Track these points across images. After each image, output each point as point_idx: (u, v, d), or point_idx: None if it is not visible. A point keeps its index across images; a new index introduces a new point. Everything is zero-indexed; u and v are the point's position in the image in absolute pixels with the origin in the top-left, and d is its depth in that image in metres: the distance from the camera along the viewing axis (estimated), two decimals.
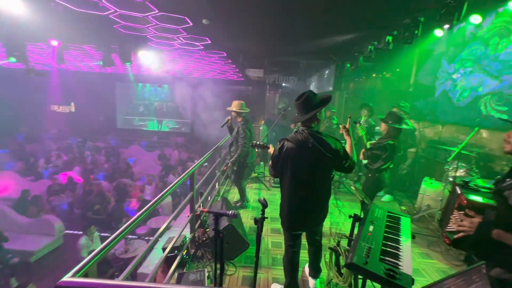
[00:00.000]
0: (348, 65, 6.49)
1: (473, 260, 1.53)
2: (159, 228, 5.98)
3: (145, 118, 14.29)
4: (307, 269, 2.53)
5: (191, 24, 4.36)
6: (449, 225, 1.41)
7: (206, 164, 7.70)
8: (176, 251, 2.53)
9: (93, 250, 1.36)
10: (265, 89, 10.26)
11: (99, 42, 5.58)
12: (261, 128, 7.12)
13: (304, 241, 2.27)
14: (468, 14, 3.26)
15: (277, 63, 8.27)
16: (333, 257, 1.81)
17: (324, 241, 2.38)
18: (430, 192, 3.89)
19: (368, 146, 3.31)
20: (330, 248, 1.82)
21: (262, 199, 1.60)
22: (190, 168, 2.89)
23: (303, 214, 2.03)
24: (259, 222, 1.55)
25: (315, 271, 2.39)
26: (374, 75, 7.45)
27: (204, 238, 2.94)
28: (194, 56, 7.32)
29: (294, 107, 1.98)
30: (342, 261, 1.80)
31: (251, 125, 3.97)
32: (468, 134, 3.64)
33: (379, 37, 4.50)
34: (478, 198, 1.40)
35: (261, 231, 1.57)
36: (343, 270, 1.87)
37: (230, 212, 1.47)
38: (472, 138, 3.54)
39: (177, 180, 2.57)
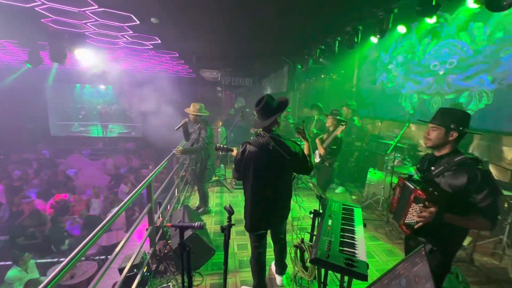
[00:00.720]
0: (299, 67, 6.87)
1: (411, 238, 1.77)
2: (111, 245, 5.38)
3: (87, 123, 12.75)
4: (273, 267, 2.61)
5: (138, 22, 4.05)
6: (407, 217, 1.59)
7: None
8: (135, 270, 2.34)
9: (31, 281, 1.15)
10: (220, 89, 10.15)
11: (22, 37, 4.75)
12: (219, 130, 7.03)
13: (269, 239, 2.34)
14: (395, 25, 3.79)
15: (232, 64, 8.26)
16: (298, 253, 1.91)
17: (288, 237, 2.50)
18: (375, 181, 4.40)
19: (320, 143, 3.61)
20: (295, 245, 1.92)
21: (228, 207, 1.59)
22: (147, 178, 2.70)
23: (266, 215, 2.09)
24: (226, 230, 1.54)
25: (281, 268, 2.49)
26: (322, 76, 8.05)
27: (166, 251, 2.78)
28: (142, 55, 6.82)
29: (254, 112, 2.02)
30: (306, 256, 1.92)
31: (210, 127, 3.90)
32: (401, 128, 4.23)
33: (326, 41, 4.87)
34: (433, 191, 1.53)
35: (229, 238, 1.56)
36: (308, 264, 1.99)
37: (195, 224, 1.42)
38: (404, 132, 4.12)
39: (133, 192, 2.36)
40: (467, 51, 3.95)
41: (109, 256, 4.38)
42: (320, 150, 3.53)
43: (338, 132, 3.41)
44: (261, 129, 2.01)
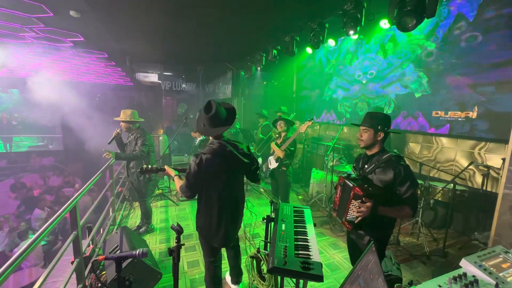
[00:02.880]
0: (242, 73, 6.98)
1: (352, 231, 1.92)
2: None
3: None
4: (228, 278, 2.49)
5: (52, 14, 3.40)
6: (349, 213, 1.72)
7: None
8: None
9: None
10: (161, 94, 9.45)
11: None
12: (160, 138, 6.49)
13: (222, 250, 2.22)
14: (327, 37, 4.21)
15: (173, 68, 7.80)
16: (254, 263, 1.86)
17: (241, 245, 2.43)
18: (318, 180, 4.73)
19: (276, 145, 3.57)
20: (251, 256, 1.86)
21: (176, 226, 1.41)
22: (71, 199, 2.23)
23: (234, 225, 2.04)
24: (175, 252, 1.36)
25: (237, 276, 2.39)
26: (264, 82, 8.37)
27: (99, 285, 2.34)
28: (61, 54, 5.80)
29: (202, 118, 1.89)
30: (263, 264, 1.88)
31: (149, 134, 3.53)
32: (336, 131, 4.69)
33: (267, 50, 5.06)
34: (368, 187, 1.67)
35: (178, 261, 1.38)
36: (264, 272, 1.95)
37: (136, 252, 1.20)
38: (339, 133, 4.59)
39: (51, 219, 1.91)
40: (382, 64, 4.67)
41: None
42: (279, 154, 3.44)
43: (303, 128, 3.37)
44: (209, 137, 1.91)
